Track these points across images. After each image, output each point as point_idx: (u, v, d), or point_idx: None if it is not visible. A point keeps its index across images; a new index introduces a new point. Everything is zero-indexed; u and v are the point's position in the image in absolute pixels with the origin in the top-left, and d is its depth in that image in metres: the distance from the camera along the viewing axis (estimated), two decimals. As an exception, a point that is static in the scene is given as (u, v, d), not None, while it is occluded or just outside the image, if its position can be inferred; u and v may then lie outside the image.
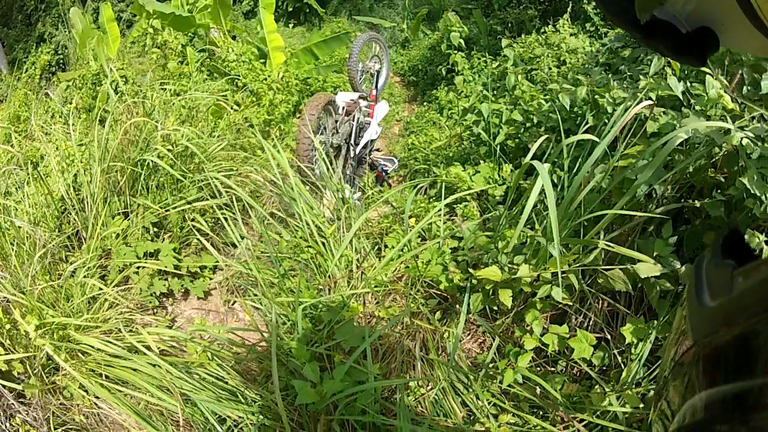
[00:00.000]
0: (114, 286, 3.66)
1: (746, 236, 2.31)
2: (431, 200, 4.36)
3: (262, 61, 8.72)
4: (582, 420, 2.60)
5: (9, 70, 12.73)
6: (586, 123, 3.59)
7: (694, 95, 3.06)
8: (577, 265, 2.73)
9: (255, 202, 3.82)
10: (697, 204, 2.69)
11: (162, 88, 6.72)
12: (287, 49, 9.17)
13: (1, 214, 3.87)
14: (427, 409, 2.82)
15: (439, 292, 3.26)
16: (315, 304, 3.07)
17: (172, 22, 8.39)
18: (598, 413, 2.59)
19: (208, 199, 4.26)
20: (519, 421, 2.71)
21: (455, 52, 8.02)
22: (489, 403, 2.82)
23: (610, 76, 4.29)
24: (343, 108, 5.39)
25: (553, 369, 3.04)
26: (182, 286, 4.05)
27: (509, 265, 2.94)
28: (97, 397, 3.08)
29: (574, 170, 3.21)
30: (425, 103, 9.25)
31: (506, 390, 2.81)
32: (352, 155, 5.46)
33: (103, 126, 4.48)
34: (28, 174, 4.42)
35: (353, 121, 5.45)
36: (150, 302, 3.89)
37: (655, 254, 2.62)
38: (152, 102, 5.39)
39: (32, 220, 4.05)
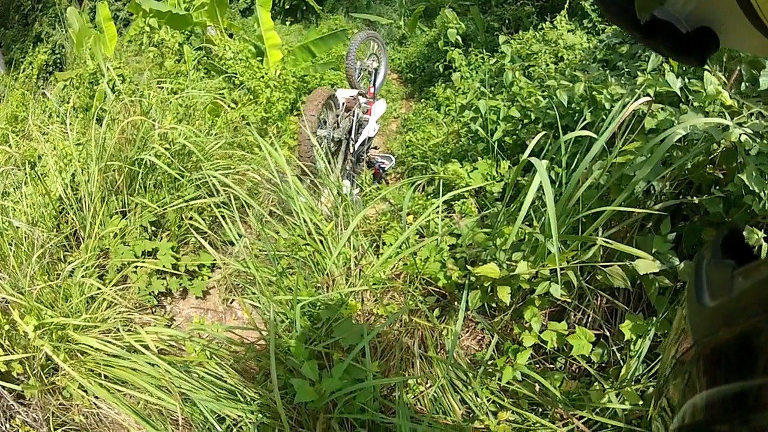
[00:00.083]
0: (112, 286, 3.66)
1: (745, 233, 2.31)
2: (429, 197, 4.36)
3: (259, 58, 8.72)
4: (581, 417, 2.60)
5: (6, 70, 12.71)
6: (584, 119, 3.58)
7: (693, 91, 3.05)
8: (576, 261, 2.73)
9: (253, 200, 3.82)
10: (696, 200, 2.69)
11: (159, 87, 6.71)
12: (284, 47, 9.17)
13: (0, 214, 3.87)
14: (426, 406, 2.82)
15: (438, 290, 3.26)
16: (313, 302, 3.06)
17: (168, 21, 8.38)
18: (597, 410, 2.60)
19: (205, 198, 4.25)
20: (518, 418, 2.71)
21: (452, 48, 8.01)
22: (488, 401, 2.83)
23: (607, 72, 4.29)
24: (343, 104, 5.40)
25: (552, 366, 3.04)
26: (180, 285, 4.04)
27: (507, 262, 2.93)
28: (96, 397, 3.08)
29: (572, 167, 3.21)
30: (423, 100, 9.26)
31: (505, 387, 2.80)
32: (351, 151, 5.46)
33: (101, 125, 4.47)
34: (25, 174, 4.41)
35: (353, 116, 5.46)
36: (148, 301, 3.89)
37: (653, 251, 2.62)
38: (149, 101, 5.39)
39: (30, 221, 4.05)
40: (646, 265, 2.53)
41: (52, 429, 2.98)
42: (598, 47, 5.72)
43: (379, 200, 4.39)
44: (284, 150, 5.12)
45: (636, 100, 2.91)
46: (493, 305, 3.11)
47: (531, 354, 2.82)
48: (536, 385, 2.77)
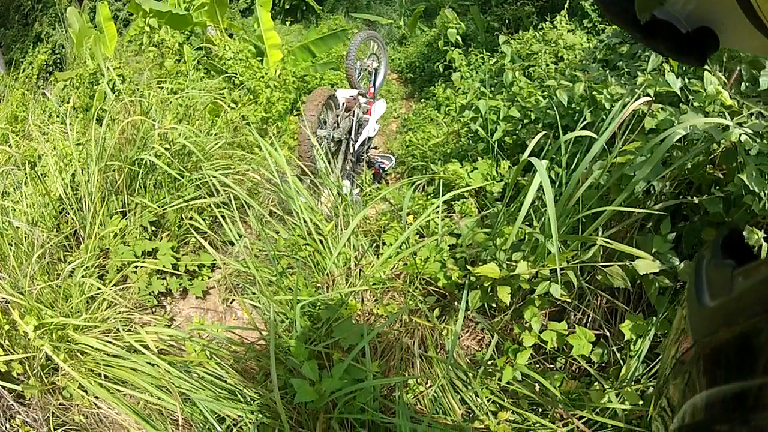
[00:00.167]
0: (112, 286, 3.66)
1: (745, 233, 2.31)
2: (429, 197, 4.36)
3: (259, 58, 8.73)
4: (581, 417, 2.60)
5: (6, 70, 12.72)
6: (584, 119, 3.58)
7: (693, 91, 3.05)
8: (576, 261, 2.73)
9: (253, 200, 3.82)
10: (696, 200, 2.69)
11: (159, 87, 6.71)
12: (284, 47, 9.18)
13: (0, 214, 3.87)
14: (426, 406, 2.82)
15: (438, 290, 3.26)
16: (313, 302, 3.06)
17: (168, 21, 8.39)
18: (597, 410, 2.60)
19: (205, 198, 4.25)
20: (518, 418, 2.71)
21: (452, 48, 8.01)
22: (488, 401, 2.83)
23: (607, 72, 4.29)
24: (343, 104, 5.40)
25: (552, 366, 3.04)
26: (180, 285, 4.04)
27: (507, 262, 2.93)
28: (96, 397, 3.08)
29: (572, 167, 3.21)
30: (422, 100, 9.26)
31: (505, 387, 2.80)
32: (351, 151, 5.47)
33: (101, 125, 4.47)
34: (25, 174, 4.41)
35: (353, 116, 5.47)
36: (148, 301, 3.89)
37: (653, 251, 2.62)
38: (149, 101, 5.39)
39: (30, 221, 4.05)
40: (646, 265, 2.53)
41: (52, 429, 2.98)
42: (598, 47, 5.73)
43: (379, 200, 4.39)
44: (284, 150, 5.12)
45: (636, 100, 2.91)
46: (493, 305, 3.11)
47: (531, 354, 2.82)
48: (536, 385, 2.77)
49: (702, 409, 0.52)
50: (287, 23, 15.69)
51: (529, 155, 2.94)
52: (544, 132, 3.49)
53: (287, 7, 16.75)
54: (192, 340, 3.14)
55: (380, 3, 17.11)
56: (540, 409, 2.79)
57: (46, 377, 3.14)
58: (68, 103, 7.26)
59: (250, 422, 2.76)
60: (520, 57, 7.33)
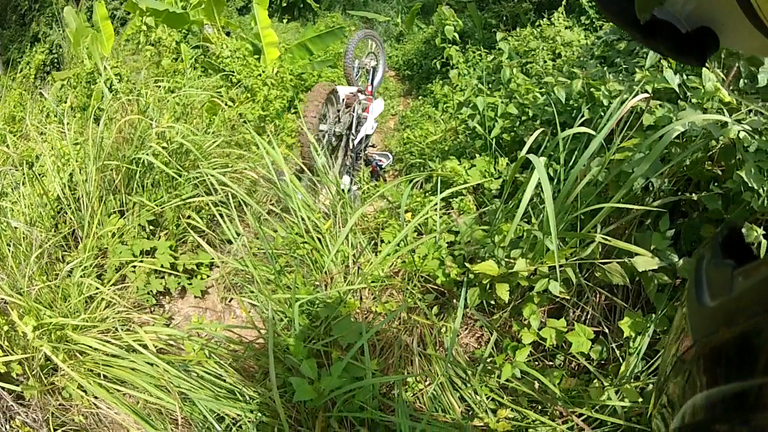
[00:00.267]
0: (111, 286, 3.65)
1: (744, 230, 2.31)
2: (427, 194, 4.36)
3: (256, 57, 8.72)
4: (581, 414, 2.60)
5: (3, 70, 12.69)
6: (582, 116, 3.58)
7: (691, 88, 3.05)
8: (575, 258, 2.73)
9: (251, 199, 3.81)
10: (695, 197, 2.69)
11: (156, 86, 6.71)
12: (281, 45, 9.18)
13: (-2, 215, 3.87)
14: (425, 404, 2.82)
15: (436, 287, 3.26)
16: (312, 300, 3.06)
17: (165, 19, 8.38)
18: (596, 407, 2.60)
19: (203, 196, 4.25)
20: (518, 415, 2.71)
21: (450, 45, 8.01)
22: (487, 398, 2.83)
23: (605, 68, 4.29)
24: (343, 99, 5.40)
25: (551, 363, 3.04)
26: (179, 284, 4.04)
27: (506, 259, 2.93)
28: (95, 397, 3.08)
29: (571, 163, 3.21)
30: (420, 97, 9.26)
31: (504, 385, 2.80)
32: (351, 147, 5.47)
33: (98, 124, 4.46)
34: (23, 174, 4.41)
35: (353, 112, 5.47)
36: (147, 300, 3.89)
37: (652, 247, 2.62)
38: (147, 99, 5.38)
39: (28, 221, 4.04)
40: (645, 262, 2.53)
41: (51, 429, 2.98)
42: (596, 44, 5.72)
43: (377, 198, 4.39)
44: (282, 148, 5.12)
45: (634, 96, 2.91)
46: (492, 302, 3.11)
47: (530, 351, 2.82)
48: (535, 382, 2.77)
49: (702, 408, 0.52)
50: (284, 21, 15.69)
51: (527, 152, 2.93)
52: (542, 129, 3.49)
53: (284, 4, 16.73)
54: (191, 339, 3.14)
55: (378, 0, 17.11)
56: (539, 407, 2.79)
57: (45, 378, 3.14)
58: (65, 102, 7.25)
59: (249, 421, 2.76)
60: (518, 54, 7.33)
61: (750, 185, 2.40)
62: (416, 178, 4.39)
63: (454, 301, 3.17)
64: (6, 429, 2.96)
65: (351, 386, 2.47)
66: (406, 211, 3.78)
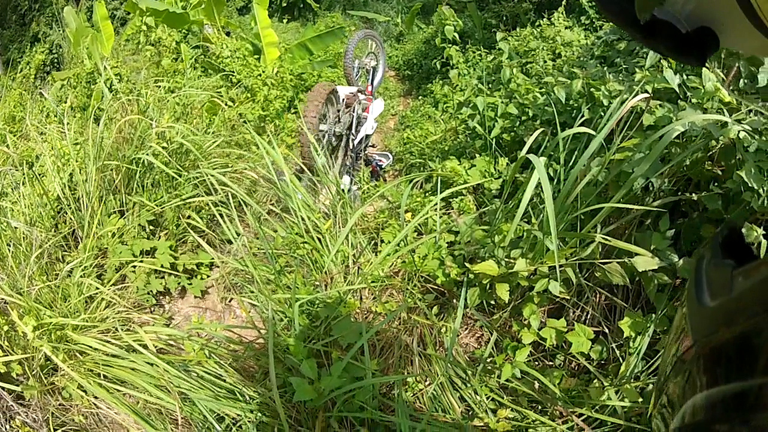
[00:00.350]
0: (111, 286, 3.65)
1: (744, 230, 2.31)
2: (427, 194, 4.36)
3: (256, 56, 8.72)
4: (581, 414, 2.60)
5: (3, 70, 12.69)
6: (582, 116, 3.58)
7: (691, 88, 3.05)
8: (574, 258, 2.73)
9: (250, 199, 3.81)
10: (695, 197, 2.69)
11: (156, 86, 6.71)
12: (281, 45, 9.18)
13: (-2, 215, 3.87)
14: (425, 404, 2.82)
15: (436, 287, 3.26)
16: (312, 300, 3.06)
17: (165, 19, 8.38)
18: (596, 407, 2.60)
19: (203, 196, 4.25)
20: (518, 415, 2.71)
21: (450, 45, 8.02)
22: (487, 398, 2.83)
23: (605, 68, 4.29)
24: (343, 99, 5.41)
25: (551, 363, 3.04)
26: (179, 284, 4.04)
27: (506, 259, 2.93)
28: (95, 397, 3.08)
29: (570, 164, 3.21)
30: (420, 97, 9.26)
31: (504, 385, 2.80)
32: (351, 147, 5.48)
33: (98, 124, 4.46)
34: (23, 174, 4.41)
35: (353, 112, 5.48)
36: (147, 300, 3.89)
37: (652, 247, 2.62)
38: (147, 99, 5.38)
39: (28, 221, 4.04)
40: (645, 262, 2.53)
41: (51, 429, 2.98)
42: (596, 44, 5.72)
43: (377, 198, 4.39)
44: (282, 148, 5.12)
45: (634, 96, 2.91)
46: (492, 302, 3.11)
47: (530, 351, 2.82)
48: (535, 382, 2.77)
49: (702, 408, 0.52)
50: (284, 21, 15.69)
51: (527, 152, 2.93)
52: (542, 129, 3.48)
53: (284, 4, 16.73)
54: (191, 339, 3.14)
55: (378, 0, 17.11)
56: (539, 407, 2.79)
57: (45, 378, 3.14)
58: (65, 102, 7.25)
59: (249, 421, 2.76)
60: (518, 54, 7.33)
61: (750, 185, 2.40)
62: (416, 178, 4.39)
63: (454, 301, 3.17)
64: (6, 429, 2.96)
65: (351, 386, 2.47)
66: (406, 211, 3.78)
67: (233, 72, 7.99)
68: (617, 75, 3.93)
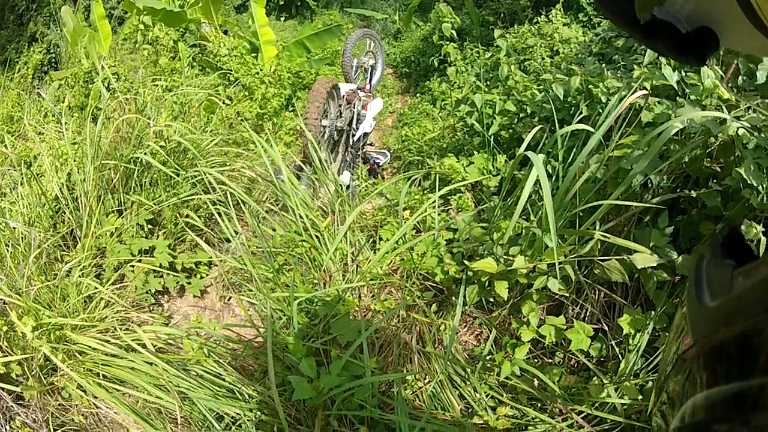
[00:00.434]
0: (109, 285, 3.66)
1: (743, 227, 2.32)
2: (425, 192, 4.36)
3: (253, 55, 8.70)
4: (580, 412, 2.61)
5: (1, 70, 12.68)
6: (580, 113, 3.58)
7: (689, 85, 3.05)
8: (573, 255, 2.73)
9: (249, 197, 3.81)
10: (694, 194, 2.69)
11: (154, 85, 6.70)
12: (279, 43, 9.16)
13: (-4, 215, 3.87)
14: (424, 402, 2.82)
15: (435, 285, 3.26)
16: (310, 298, 3.06)
17: (163, 18, 8.37)
18: (596, 405, 2.60)
19: (201, 195, 4.24)
20: (517, 413, 2.71)
21: (447, 43, 8.00)
22: (487, 396, 2.83)
23: (603, 65, 4.28)
24: (344, 96, 5.42)
25: (550, 361, 3.04)
26: (178, 283, 4.04)
27: (505, 257, 2.93)
28: (95, 397, 3.08)
29: (569, 160, 3.21)
30: (418, 95, 9.25)
31: (504, 382, 2.81)
32: (351, 142, 5.49)
33: (96, 124, 4.46)
34: (21, 174, 4.41)
35: (353, 108, 5.49)
36: (146, 300, 3.89)
37: (651, 244, 2.62)
38: (144, 98, 5.38)
39: (27, 221, 4.04)
40: (644, 259, 2.53)
41: (51, 429, 2.98)
42: (594, 41, 5.71)
43: (376, 195, 4.38)
44: (280, 146, 5.12)
45: (633, 93, 2.91)
46: (491, 300, 3.11)
47: (529, 349, 2.82)
48: (535, 380, 2.77)
49: (702, 408, 0.52)
50: (282, 19, 15.67)
51: (526, 149, 2.93)
52: (540, 126, 3.48)
53: (282, 3, 16.71)
54: (190, 338, 3.14)
55: (375, -2, 17.10)
56: (539, 404, 2.79)
57: (44, 378, 3.14)
58: (63, 102, 7.25)
59: (248, 420, 2.76)
60: (516, 51, 7.32)
61: (749, 182, 2.40)
62: (414, 175, 4.39)
63: (453, 298, 3.17)
64: (6, 430, 2.96)
65: (350, 384, 2.47)
66: (405, 209, 3.78)
67: (231, 70, 7.98)
68: (615, 72, 3.93)
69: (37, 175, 4.51)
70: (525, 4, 9.92)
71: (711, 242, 0.63)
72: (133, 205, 4.25)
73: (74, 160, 4.40)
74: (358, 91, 5.71)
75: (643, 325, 2.64)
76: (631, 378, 2.60)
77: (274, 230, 3.79)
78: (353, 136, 5.51)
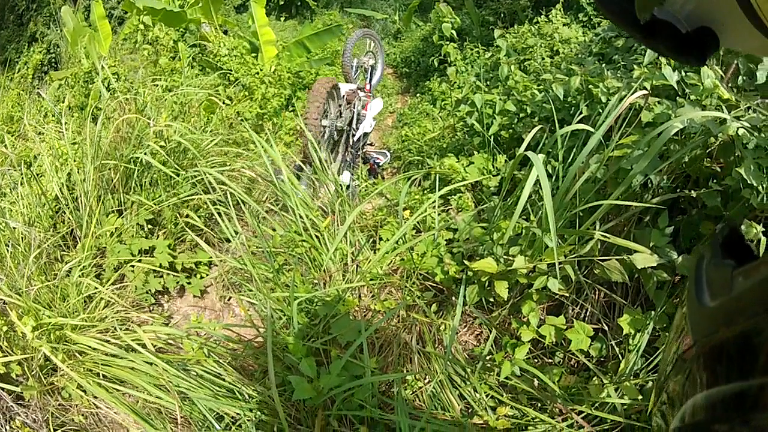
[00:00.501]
0: (109, 285, 3.65)
1: (743, 227, 2.32)
2: (425, 192, 4.35)
3: (253, 55, 8.70)
4: (580, 412, 2.61)
5: (1, 70, 12.68)
6: (580, 113, 3.58)
7: (689, 85, 3.05)
8: (573, 256, 2.73)
9: (249, 197, 3.81)
10: (694, 194, 2.69)
11: (154, 85, 6.70)
12: (279, 43, 9.16)
13: (-4, 215, 3.87)
14: (424, 402, 2.82)
15: (435, 285, 3.26)
16: (310, 298, 3.06)
17: (163, 18, 8.36)
18: (596, 405, 2.60)
19: (201, 195, 4.24)
20: (517, 413, 2.71)
21: (447, 43, 8.00)
22: (487, 396, 2.83)
23: (603, 65, 4.28)
24: (344, 96, 5.42)
25: (550, 361, 3.04)
26: (177, 282, 4.04)
27: (505, 257, 2.93)
28: (95, 397, 3.08)
29: (569, 160, 3.21)
30: (418, 95, 9.25)
31: (504, 382, 2.81)
32: (351, 142, 5.49)
33: (96, 124, 4.46)
34: (21, 174, 4.41)
35: (353, 108, 5.49)
36: (146, 300, 3.89)
37: (651, 244, 2.62)
38: (144, 98, 5.37)
39: (27, 221, 4.04)
40: (644, 259, 2.53)
41: (51, 429, 2.98)
42: (594, 41, 5.71)
43: (376, 195, 4.38)
44: (280, 146, 5.12)
45: (633, 93, 2.91)
46: (491, 300, 3.10)
47: (529, 349, 2.82)
48: (535, 380, 2.77)
49: (702, 408, 0.52)
50: (282, 19, 15.67)
51: (526, 149, 2.93)
52: (540, 126, 3.48)
53: (282, 3, 16.70)
54: (190, 338, 3.14)
55: (375, -2, 17.10)
56: (539, 404, 2.79)
57: (44, 378, 3.14)
58: (63, 102, 7.24)
59: (248, 420, 2.76)
60: (516, 51, 7.32)
61: (749, 182, 2.40)
62: (414, 175, 4.39)
63: (453, 298, 3.17)
64: (6, 430, 2.96)
65: (350, 384, 2.47)
66: (405, 209, 3.78)
67: (231, 70, 7.98)
68: (615, 72, 3.93)
69: (37, 175, 4.51)
70: (525, 4, 9.92)
71: (711, 242, 0.63)
72: (133, 205, 4.24)
73: (74, 160, 4.40)
74: (358, 91, 5.71)
75: (643, 325, 2.64)
76: (631, 378, 2.60)
77: (274, 230, 3.79)
78: (353, 136, 5.51)
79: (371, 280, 3.20)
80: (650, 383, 2.54)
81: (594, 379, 2.71)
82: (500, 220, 3.12)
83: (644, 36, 0.69)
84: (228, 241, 4.02)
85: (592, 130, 2.92)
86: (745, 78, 3.09)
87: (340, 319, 2.76)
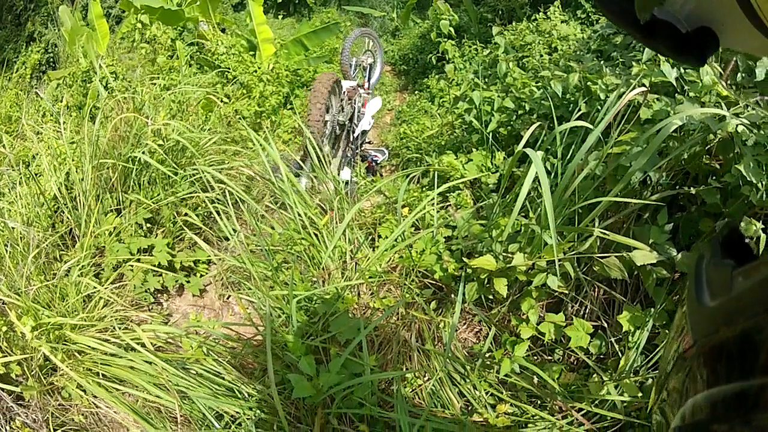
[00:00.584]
0: (108, 284, 3.65)
1: (743, 224, 2.32)
2: (424, 189, 4.35)
3: (251, 53, 8.70)
4: (580, 409, 2.61)
5: None
6: (579, 110, 3.58)
7: (688, 82, 3.05)
8: (573, 253, 2.73)
9: (247, 195, 3.81)
10: (693, 191, 2.69)
11: (152, 83, 6.69)
12: (277, 41, 9.15)
13: (-5, 215, 3.87)
14: (424, 400, 2.82)
15: (434, 282, 3.26)
16: (309, 296, 3.06)
17: (161, 17, 8.35)
18: (596, 402, 2.60)
19: (200, 194, 4.24)
20: (517, 410, 2.71)
21: (445, 40, 8.00)
22: (486, 393, 2.83)
23: (602, 62, 4.28)
24: (345, 92, 5.42)
25: (550, 358, 3.04)
26: (177, 281, 4.04)
27: (504, 254, 2.93)
28: (95, 397, 3.08)
29: (568, 157, 3.21)
30: (416, 92, 9.24)
31: (503, 380, 2.81)
32: (351, 138, 5.50)
33: (94, 123, 4.46)
34: (20, 174, 4.40)
35: (354, 104, 5.49)
36: (145, 299, 3.88)
37: (650, 241, 2.62)
38: (142, 97, 5.37)
39: (25, 221, 4.03)
40: (643, 256, 2.53)
41: (51, 429, 2.98)
42: (592, 38, 5.71)
43: (374, 193, 4.38)
44: (278, 144, 5.12)
45: (631, 90, 2.91)
46: (490, 297, 3.10)
47: (529, 346, 2.82)
48: (534, 377, 2.78)
49: (703, 408, 0.51)
50: (279, 17, 15.64)
51: (524, 146, 2.93)
52: (538, 123, 3.48)
53: (279, 0, 16.70)
54: (189, 337, 3.13)
55: (373, -5, 17.08)
56: (539, 402, 2.79)
57: (44, 378, 3.14)
58: (61, 101, 7.23)
59: (248, 418, 2.76)
60: (514, 48, 7.31)
61: (748, 179, 2.40)
62: (413, 173, 4.39)
63: (452, 296, 3.17)
64: (6, 430, 2.96)
65: (350, 382, 2.47)
66: (403, 206, 3.78)
67: (229, 68, 7.98)
68: (614, 69, 3.92)
69: (36, 174, 4.50)
70: (523, 2, 9.93)
71: (711, 242, 0.63)
72: (132, 204, 4.24)
73: (72, 160, 4.40)
74: (358, 88, 5.72)
75: (642, 322, 2.64)
76: (631, 375, 2.60)
77: (272, 228, 3.79)
78: (354, 131, 5.52)
79: (370, 277, 3.20)
80: (650, 380, 2.54)
81: (594, 376, 2.71)
82: (499, 217, 3.13)
83: (644, 36, 0.69)
84: (227, 239, 4.02)
85: (590, 127, 2.93)
86: (744, 75, 3.09)
87: (339, 317, 2.76)
